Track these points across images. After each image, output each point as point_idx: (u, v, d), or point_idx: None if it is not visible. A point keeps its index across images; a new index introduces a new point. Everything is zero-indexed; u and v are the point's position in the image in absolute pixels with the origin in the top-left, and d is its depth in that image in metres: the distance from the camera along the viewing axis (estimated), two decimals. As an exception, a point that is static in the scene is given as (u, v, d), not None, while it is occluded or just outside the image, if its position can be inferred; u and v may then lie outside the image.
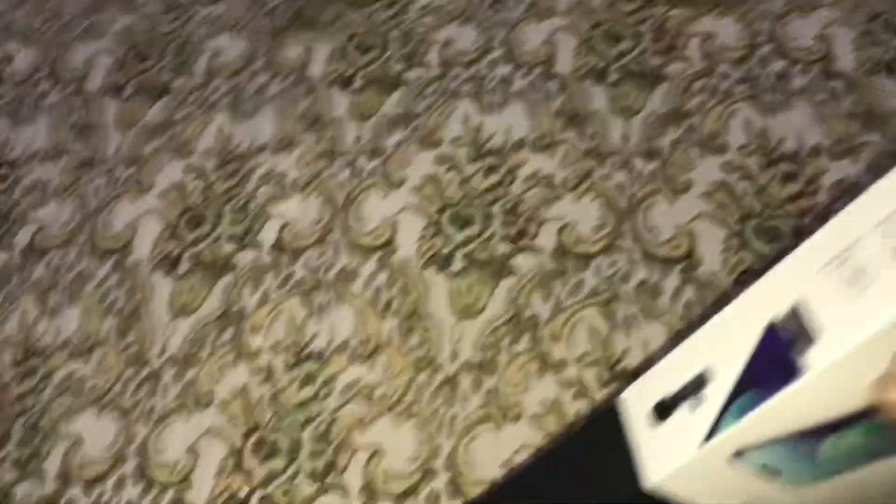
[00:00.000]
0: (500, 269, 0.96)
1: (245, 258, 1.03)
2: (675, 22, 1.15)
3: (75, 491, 0.91)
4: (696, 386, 0.48)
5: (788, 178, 0.97)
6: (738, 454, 0.47)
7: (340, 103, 1.16)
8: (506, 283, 0.95)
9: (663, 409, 0.50)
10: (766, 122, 1.02)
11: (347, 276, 0.99)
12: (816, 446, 0.47)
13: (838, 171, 0.97)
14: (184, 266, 1.04)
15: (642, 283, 0.93)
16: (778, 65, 1.07)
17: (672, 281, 0.92)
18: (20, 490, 0.92)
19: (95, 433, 0.94)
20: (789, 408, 0.44)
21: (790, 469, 0.48)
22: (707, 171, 1.00)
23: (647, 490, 0.49)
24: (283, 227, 1.05)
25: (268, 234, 1.04)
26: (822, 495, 0.51)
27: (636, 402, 0.52)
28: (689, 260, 0.93)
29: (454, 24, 1.21)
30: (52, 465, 0.93)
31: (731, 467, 0.48)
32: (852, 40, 1.07)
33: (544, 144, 1.06)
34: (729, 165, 0.99)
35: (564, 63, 1.13)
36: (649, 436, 0.50)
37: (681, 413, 0.48)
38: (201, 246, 1.05)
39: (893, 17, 1.08)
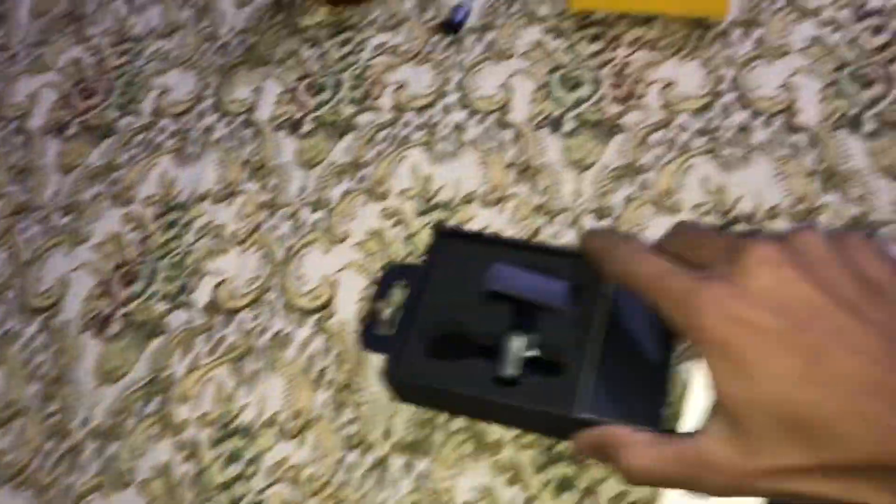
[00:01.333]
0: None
1: (178, 319, 0.98)
2: (636, 67, 1.10)
3: None
4: None
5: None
6: None
7: (287, 149, 1.11)
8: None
9: None
10: (724, 179, 0.98)
11: (281, 341, 0.94)
12: None
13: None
14: (114, 327, 0.99)
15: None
16: (740, 116, 1.03)
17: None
18: None
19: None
20: None
21: None
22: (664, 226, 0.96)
23: None
24: (218, 285, 1.00)
25: (202, 293, 1.00)
26: None
27: None
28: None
29: (410, 64, 1.17)
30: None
31: None
32: (818, 91, 1.03)
33: (495, 199, 1.02)
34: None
35: (520, 110, 1.09)
36: None
37: None
38: (133, 305, 1.01)
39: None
